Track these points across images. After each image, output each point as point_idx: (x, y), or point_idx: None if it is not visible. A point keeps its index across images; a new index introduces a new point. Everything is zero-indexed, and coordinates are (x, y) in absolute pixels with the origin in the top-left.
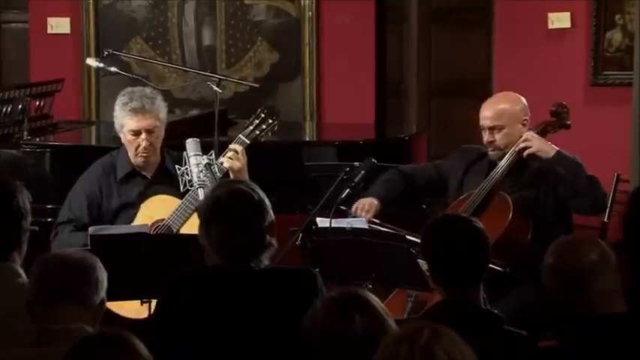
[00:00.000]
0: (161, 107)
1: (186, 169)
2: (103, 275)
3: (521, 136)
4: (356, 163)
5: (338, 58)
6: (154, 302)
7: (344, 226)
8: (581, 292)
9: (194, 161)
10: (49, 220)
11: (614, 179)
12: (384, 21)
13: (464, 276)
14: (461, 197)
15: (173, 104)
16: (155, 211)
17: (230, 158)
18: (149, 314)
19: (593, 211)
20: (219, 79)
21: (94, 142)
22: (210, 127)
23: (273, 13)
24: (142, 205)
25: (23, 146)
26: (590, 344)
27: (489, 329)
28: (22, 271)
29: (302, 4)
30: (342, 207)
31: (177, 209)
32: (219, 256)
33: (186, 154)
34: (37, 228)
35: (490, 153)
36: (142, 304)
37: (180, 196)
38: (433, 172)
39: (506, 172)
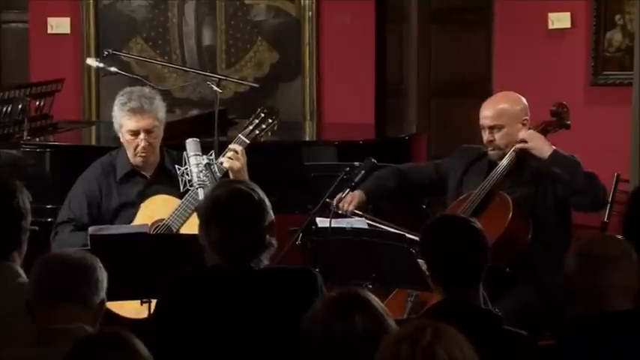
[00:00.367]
0: (160, 107)
1: (186, 169)
2: (103, 275)
3: None
4: (356, 163)
5: (338, 58)
6: (153, 302)
7: (344, 226)
8: (596, 279)
9: (194, 161)
10: (49, 220)
11: (614, 179)
12: (384, 21)
13: (463, 276)
14: (461, 197)
15: (173, 104)
16: (155, 210)
17: (230, 158)
18: (149, 314)
19: (594, 208)
20: (219, 79)
21: (94, 142)
22: (210, 127)
23: (273, 13)
24: (142, 205)
25: (23, 146)
26: (591, 343)
27: (489, 329)
28: (22, 271)
29: (302, 4)
30: (327, 199)
31: (177, 209)
32: (219, 256)
33: (186, 154)
34: (37, 228)
35: (490, 152)
36: (141, 304)
37: (180, 195)
38: (432, 171)
39: (506, 171)
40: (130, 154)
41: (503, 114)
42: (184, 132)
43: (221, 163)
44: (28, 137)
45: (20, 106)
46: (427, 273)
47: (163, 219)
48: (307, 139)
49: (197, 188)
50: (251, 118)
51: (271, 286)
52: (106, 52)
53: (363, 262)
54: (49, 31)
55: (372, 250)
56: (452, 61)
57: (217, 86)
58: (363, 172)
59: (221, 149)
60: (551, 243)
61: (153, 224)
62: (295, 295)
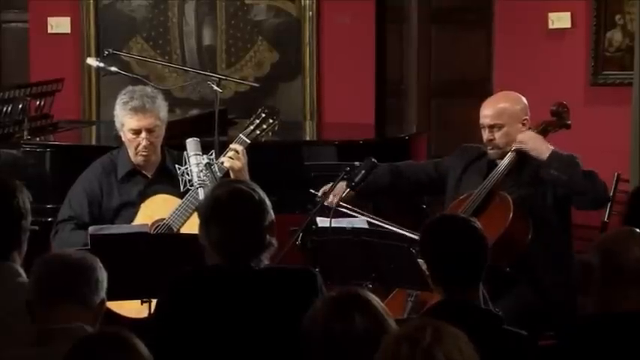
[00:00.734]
0: (162, 106)
1: (187, 168)
2: (103, 275)
3: None
4: (356, 163)
5: (338, 58)
6: (153, 302)
7: (344, 225)
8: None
9: (194, 161)
10: (49, 219)
11: (614, 179)
12: (384, 21)
13: (463, 276)
14: (461, 197)
15: (173, 104)
16: (155, 210)
17: (231, 158)
18: (149, 314)
19: (595, 206)
20: (220, 78)
21: (94, 142)
22: (211, 126)
23: (273, 12)
24: (142, 205)
25: (23, 146)
26: (594, 343)
27: (489, 329)
28: (22, 271)
29: (302, 4)
30: (311, 190)
31: (177, 209)
32: (219, 256)
33: (187, 154)
34: (37, 228)
35: (489, 152)
36: (142, 304)
37: (181, 195)
38: (431, 170)
39: (507, 171)
40: (131, 153)
41: (503, 113)
42: (184, 132)
43: (222, 163)
44: (28, 137)
45: (20, 106)
46: (427, 273)
47: (164, 219)
48: (307, 138)
49: (197, 188)
50: (252, 118)
51: (271, 286)
52: (106, 52)
53: (363, 262)
54: (49, 30)
55: (372, 250)
56: (452, 61)
57: (217, 86)
58: (363, 171)
59: (221, 149)
60: (551, 243)
61: (153, 224)
62: (295, 295)
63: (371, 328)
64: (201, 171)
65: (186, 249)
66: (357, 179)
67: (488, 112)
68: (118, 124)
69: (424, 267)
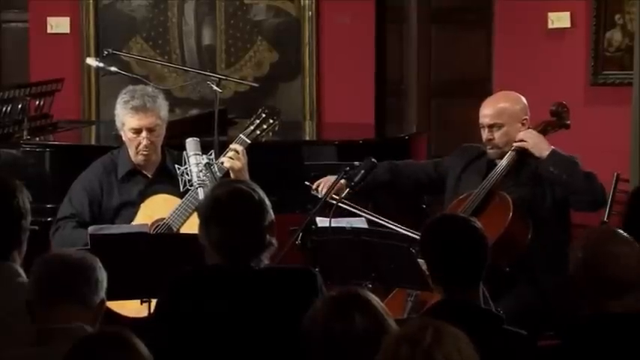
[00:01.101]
0: (162, 106)
1: (186, 168)
2: (102, 275)
3: None
4: (356, 163)
5: (338, 58)
6: (153, 302)
7: (344, 225)
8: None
9: (194, 161)
10: (49, 219)
11: (614, 179)
12: (384, 21)
13: (463, 276)
14: (460, 197)
15: (173, 104)
16: (155, 210)
17: (231, 158)
18: (149, 313)
19: (592, 208)
20: (219, 78)
21: (93, 142)
22: (210, 126)
23: (273, 12)
24: (142, 205)
25: (23, 146)
26: (598, 344)
27: (489, 329)
28: (22, 271)
29: (302, 3)
30: (306, 183)
31: (177, 208)
32: (219, 256)
33: (186, 154)
34: (37, 227)
35: (489, 151)
36: (141, 304)
37: (181, 195)
38: (431, 169)
39: (506, 171)
40: (131, 152)
41: (503, 113)
42: (184, 132)
43: (222, 163)
44: (28, 137)
45: (20, 106)
46: (427, 273)
47: (164, 218)
48: (307, 138)
49: (197, 188)
50: (252, 118)
51: (271, 286)
52: (105, 52)
53: (363, 262)
54: (49, 30)
55: (372, 250)
56: (452, 61)
57: (217, 86)
58: (362, 171)
59: (221, 149)
60: (551, 243)
61: (153, 223)
62: (295, 295)
63: (371, 328)
64: (201, 171)
65: (186, 249)
66: (356, 179)
67: (487, 111)
68: (118, 124)
69: (424, 267)
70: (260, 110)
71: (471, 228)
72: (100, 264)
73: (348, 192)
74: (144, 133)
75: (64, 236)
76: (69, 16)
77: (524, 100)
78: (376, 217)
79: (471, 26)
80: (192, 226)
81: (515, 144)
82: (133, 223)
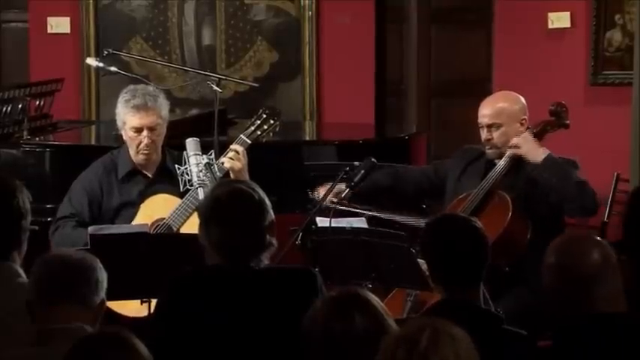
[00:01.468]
0: (163, 105)
1: (186, 168)
2: (103, 276)
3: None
4: (356, 163)
5: (338, 58)
6: (153, 302)
7: (344, 225)
8: (583, 291)
9: (194, 161)
10: (49, 219)
11: (614, 179)
12: (384, 21)
13: (463, 275)
14: (460, 197)
15: (173, 104)
16: (155, 210)
17: (231, 158)
18: (149, 313)
19: (583, 214)
20: (219, 78)
21: (93, 142)
22: (210, 126)
23: (273, 12)
24: (142, 204)
25: (23, 146)
26: (588, 344)
27: (489, 329)
28: (22, 271)
29: (302, 3)
30: (308, 191)
31: (177, 208)
32: (219, 256)
33: (186, 154)
34: (37, 228)
35: (488, 151)
36: (141, 304)
37: (181, 195)
38: (432, 173)
39: (505, 172)
40: (132, 151)
41: (501, 113)
42: (184, 132)
43: (222, 164)
44: (28, 137)
45: (20, 106)
46: (427, 272)
47: (163, 218)
48: (307, 138)
49: (197, 188)
50: (253, 119)
51: (271, 286)
52: (105, 52)
53: (363, 262)
54: (49, 30)
55: (372, 250)
56: (452, 61)
57: (217, 86)
58: (362, 171)
59: (221, 149)
60: (547, 243)
61: (153, 223)
62: (295, 295)
63: (371, 328)
64: (201, 171)
65: (186, 249)
66: (356, 179)
67: (486, 111)
68: (119, 123)
69: (424, 267)
70: (261, 111)
71: (471, 228)
72: (100, 264)
73: (348, 192)
74: (145, 132)
75: (63, 235)
76: (69, 16)
77: (523, 100)
78: (378, 214)
79: (471, 26)
80: (192, 226)
81: (509, 150)
82: (133, 223)
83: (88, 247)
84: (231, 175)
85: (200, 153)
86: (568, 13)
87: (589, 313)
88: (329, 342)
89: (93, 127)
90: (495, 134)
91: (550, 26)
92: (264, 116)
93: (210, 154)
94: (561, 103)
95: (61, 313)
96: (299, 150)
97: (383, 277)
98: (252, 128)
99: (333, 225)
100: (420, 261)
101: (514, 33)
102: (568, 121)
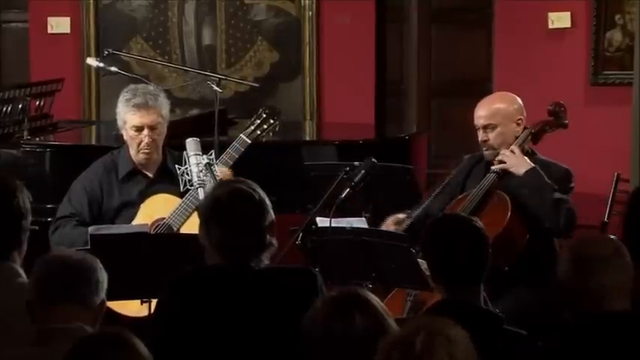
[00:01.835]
0: (164, 104)
1: (186, 168)
2: (103, 276)
3: (516, 137)
4: (356, 163)
5: (338, 58)
6: (153, 302)
7: (344, 225)
8: (591, 280)
9: (194, 161)
10: (49, 219)
11: (614, 179)
12: (384, 21)
13: (464, 275)
14: (459, 197)
15: (173, 104)
16: (155, 210)
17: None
18: (149, 313)
19: (555, 235)
20: (220, 78)
21: (94, 142)
22: (210, 126)
23: (273, 12)
24: (143, 204)
25: (23, 146)
26: (591, 343)
27: (489, 329)
28: (22, 271)
29: (302, 3)
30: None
31: (177, 208)
32: (219, 256)
33: (186, 154)
34: (37, 228)
35: (484, 153)
36: (142, 304)
37: (181, 195)
38: (447, 200)
39: (502, 173)
40: (132, 151)
41: (497, 113)
42: (184, 132)
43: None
44: (28, 137)
45: (20, 106)
46: (427, 272)
47: (164, 218)
48: (307, 138)
49: (197, 188)
50: (253, 119)
51: (271, 286)
52: (106, 52)
53: (363, 262)
54: (49, 30)
55: (372, 250)
56: (452, 61)
57: (217, 86)
58: (362, 171)
59: (221, 149)
60: (548, 243)
61: (153, 223)
62: (295, 295)
63: (371, 327)
64: (201, 171)
65: (186, 249)
66: (356, 179)
67: (482, 112)
68: (120, 122)
69: (424, 267)
70: (261, 110)
71: (471, 228)
72: (100, 265)
73: (348, 192)
74: (145, 131)
75: (63, 235)
76: (69, 16)
77: (519, 100)
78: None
79: (471, 26)
80: (192, 226)
81: (495, 167)
82: (133, 223)
83: (88, 246)
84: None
85: (200, 153)
86: (568, 13)
87: (595, 311)
88: (329, 342)
89: (93, 127)
90: (491, 135)
91: (550, 26)
92: (264, 116)
93: (211, 154)
94: (560, 103)
95: (61, 313)
96: (299, 150)
97: (383, 277)
98: (252, 128)
99: (333, 225)
100: (420, 261)
101: (514, 33)
102: (567, 121)
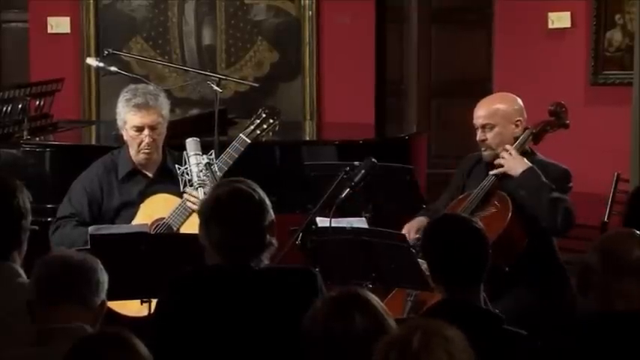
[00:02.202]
0: (164, 104)
1: (186, 168)
2: (103, 277)
3: (515, 137)
4: (356, 163)
5: (338, 58)
6: (153, 302)
7: (344, 225)
8: (616, 280)
9: (194, 161)
10: (49, 219)
11: (614, 179)
12: (384, 21)
13: (464, 275)
14: (460, 197)
15: (173, 103)
16: (155, 209)
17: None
18: (149, 313)
19: (553, 234)
20: (220, 78)
21: (94, 142)
22: (210, 126)
23: (273, 12)
24: (142, 204)
25: (23, 146)
26: (594, 343)
27: (489, 329)
28: (22, 271)
29: (302, 3)
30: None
31: (177, 208)
32: (219, 256)
33: (186, 154)
34: (37, 228)
35: (483, 153)
36: (142, 304)
37: (181, 195)
38: (455, 193)
39: (502, 174)
40: (133, 151)
41: (495, 114)
42: (184, 131)
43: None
44: (28, 137)
45: (20, 106)
46: (427, 272)
47: (164, 218)
48: (307, 138)
49: (197, 188)
50: (252, 118)
51: (271, 285)
52: (106, 52)
53: (363, 262)
54: (49, 30)
55: (372, 250)
56: (452, 61)
57: (217, 86)
58: (362, 171)
59: (221, 149)
60: (548, 243)
61: (153, 223)
62: (295, 295)
63: (371, 327)
64: (201, 171)
65: (186, 249)
66: (356, 179)
67: (481, 112)
68: (120, 122)
69: (424, 267)
70: (260, 110)
71: (471, 228)
72: (101, 266)
73: (348, 192)
74: (146, 131)
75: (63, 235)
76: (69, 16)
77: (520, 102)
78: None
79: (471, 26)
80: (192, 226)
81: (493, 171)
82: (133, 222)
83: (88, 246)
84: None
85: (200, 153)
86: (568, 13)
87: (602, 312)
88: (329, 342)
89: (93, 127)
90: (489, 135)
91: (550, 26)
92: (264, 115)
93: (211, 154)
94: (561, 103)
95: (61, 313)
96: (299, 150)
97: (383, 277)
98: (252, 127)
99: (333, 225)
100: (420, 261)
101: (514, 33)
102: (568, 121)
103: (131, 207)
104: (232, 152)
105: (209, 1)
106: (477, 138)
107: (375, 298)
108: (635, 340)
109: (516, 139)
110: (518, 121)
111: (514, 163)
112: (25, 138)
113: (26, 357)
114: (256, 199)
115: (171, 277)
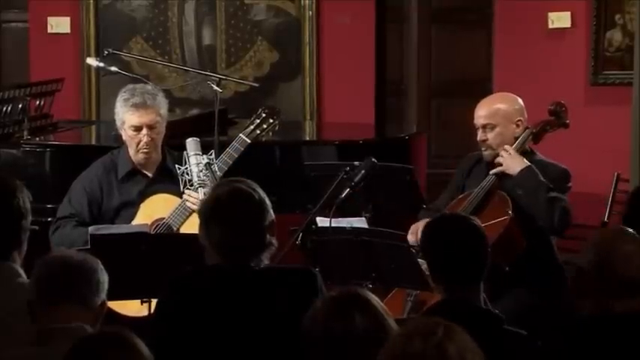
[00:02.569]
0: (162, 103)
1: (187, 168)
2: (104, 277)
3: (515, 137)
4: (356, 163)
5: (338, 58)
6: (153, 302)
7: (344, 225)
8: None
9: (194, 161)
10: (49, 219)
11: (614, 179)
12: (384, 21)
13: (464, 275)
14: (460, 196)
15: (173, 103)
16: (155, 209)
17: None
18: (149, 313)
19: (551, 233)
20: (220, 78)
21: (94, 142)
22: (211, 126)
23: (273, 12)
24: (142, 204)
25: (23, 146)
26: (593, 343)
27: (489, 329)
28: (22, 271)
29: (302, 3)
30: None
31: (177, 208)
32: (219, 256)
33: (186, 154)
34: (37, 228)
35: (484, 153)
36: (142, 304)
37: (181, 195)
38: (455, 193)
39: (501, 172)
40: (131, 151)
41: (496, 113)
42: (184, 131)
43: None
44: (28, 137)
45: (20, 106)
46: (427, 272)
47: (163, 218)
48: (307, 138)
49: (197, 188)
50: (252, 118)
51: (271, 285)
52: (106, 52)
53: (363, 262)
54: (49, 30)
55: (372, 250)
56: (452, 61)
57: (217, 86)
58: (362, 171)
59: (221, 149)
60: (547, 243)
61: (153, 223)
62: (295, 295)
63: (371, 327)
64: (201, 171)
65: (187, 249)
66: (356, 179)
67: (481, 112)
68: (118, 122)
69: (424, 267)
70: (260, 110)
71: (471, 227)
72: (101, 266)
73: (348, 192)
74: (144, 131)
75: (63, 235)
76: (69, 16)
77: (520, 102)
78: None
79: (471, 26)
80: (192, 226)
81: (493, 170)
82: (133, 222)
83: (88, 246)
84: None
85: (200, 153)
86: (568, 13)
87: (602, 314)
88: (329, 342)
89: (93, 127)
90: (490, 135)
91: (550, 26)
92: (264, 115)
93: (211, 154)
94: (560, 103)
95: (61, 313)
96: (299, 150)
97: (383, 277)
98: (252, 127)
99: (333, 225)
100: (420, 261)
101: (514, 33)
102: (568, 121)
103: (131, 207)
104: (232, 152)
105: (209, 1)
106: (478, 138)
107: (375, 298)
108: (635, 340)
109: (517, 138)
110: (518, 120)
111: (512, 162)
112: (25, 138)
113: (26, 357)
114: (256, 199)
115: (171, 277)
